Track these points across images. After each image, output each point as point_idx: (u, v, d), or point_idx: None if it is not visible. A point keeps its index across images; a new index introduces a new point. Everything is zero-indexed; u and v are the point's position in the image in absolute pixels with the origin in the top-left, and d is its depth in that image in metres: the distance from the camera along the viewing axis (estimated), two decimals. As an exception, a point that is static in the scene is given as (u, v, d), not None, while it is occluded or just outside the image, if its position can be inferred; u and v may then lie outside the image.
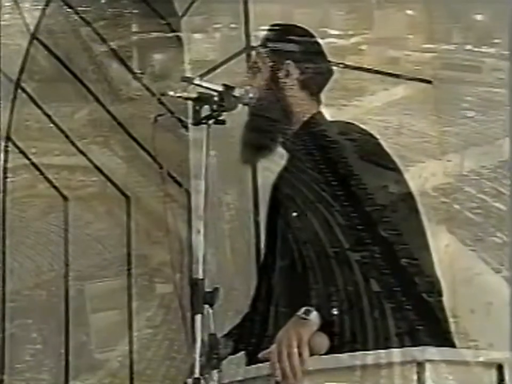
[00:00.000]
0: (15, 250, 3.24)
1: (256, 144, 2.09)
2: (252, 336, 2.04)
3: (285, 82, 2.10)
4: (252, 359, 2.00)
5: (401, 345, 2.19)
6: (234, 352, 2.06)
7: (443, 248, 2.61)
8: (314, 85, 2.16)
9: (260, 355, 1.87)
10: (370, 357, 1.76)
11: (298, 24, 2.18)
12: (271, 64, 2.11)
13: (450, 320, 2.44)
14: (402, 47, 2.84)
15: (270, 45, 2.09)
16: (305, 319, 1.86)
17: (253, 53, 2.15)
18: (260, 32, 2.13)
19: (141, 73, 2.74)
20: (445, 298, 2.46)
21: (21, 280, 3.33)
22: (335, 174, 2.02)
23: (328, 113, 2.85)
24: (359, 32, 2.85)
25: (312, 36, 2.18)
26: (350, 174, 2.03)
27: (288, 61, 2.10)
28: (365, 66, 2.95)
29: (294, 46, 2.11)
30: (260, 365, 1.85)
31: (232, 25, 2.71)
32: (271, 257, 2.14)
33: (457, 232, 2.59)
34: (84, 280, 3.06)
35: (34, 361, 3.25)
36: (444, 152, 2.69)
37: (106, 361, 2.98)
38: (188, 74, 2.66)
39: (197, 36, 2.75)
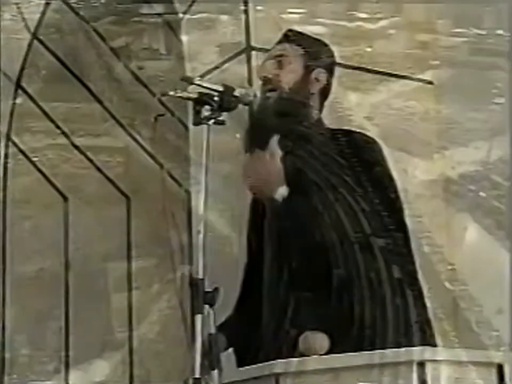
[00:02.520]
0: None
1: (263, 135, 2.10)
2: (240, 335, 2.03)
3: (313, 86, 2.14)
4: (241, 360, 2.01)
5: (422, 333, 2.17)
6: (226, 348, 2.03)
7: (468, 237, 2.59)
8: (327, 95, 2.23)
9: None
10: (370, 356, 1.75)
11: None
12: (304, 65, 2.15)
13: (475, 308, 2.42)
14: (431, 32, 2.81)
15: (306, 47, 2.13)
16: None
17: (283, 46, 2.16)
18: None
19: (140, 68, 2.74)
20: (469, 288, 2.44)
21: (45, 257, 3.37)
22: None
23: (354, 97, 2.83)
24: (387, 15, 2.82)
25: (332, 51, 2.26)
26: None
27: (320, 69, 2.17)
28: (393, 50, 2.91)
29: (325, 55, 2.19)
30: (260, 364, 1.85)
31: (232, 25, 2.70)
32: (259, 252, 2.13)
33: (482, 221, 2.56)
34: (107, 261, 3.08)
35: (57, 338, 3.29)
36: (471, 140, 2.66)
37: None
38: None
39: (197, 35, 2.75)
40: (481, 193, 2.54)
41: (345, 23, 2.82)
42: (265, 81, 2.14)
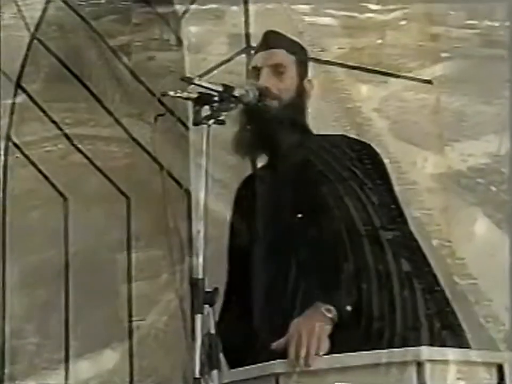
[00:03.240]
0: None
1: (262, 143, 2.10)
2: (231, 337, 2.01)
3: (306, 93, 2.17)
4: (232, 362, 1.99)
5: (430, 326, 2.17)
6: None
7: (478, 231, 2.57)
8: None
9: (273, 345, 1.85)
10: (370, 356, 1.74)
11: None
12: (297, 73, 2.15)
13: (485, 303, 2.41)
14: (443, 23, 2.79)
15: (299, 56, 2.14)
16: (325, 314, 1.86)
17: (280, 53, 2.15)
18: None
19: (150, 59, 2.73)
20: (478, 282, 2.43)
21: (52, 247, 3.39)
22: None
23: (364, 89, 2.81)
24: (399, 7, 2.80)
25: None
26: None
27: (309, 78, 2.20)
28: (404, 42, 2.90)
29: (307, 59, 2.21)
30: (259, 364, 1.85)
31: (232, 25, 2.70)
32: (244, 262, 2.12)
33: (493, 214, 2.55)
34: (116, 251, 3.09)
35: (65, 327, 3.30)
36: (482, 133, 2.64)
37: (136, 330, 3.02)
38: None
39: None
40: (492, 187, 2.52)
41: (356, 14, 2.81)
42: (264, 91, 2.13)
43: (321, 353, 1.78)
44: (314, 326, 1.81)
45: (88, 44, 3.15)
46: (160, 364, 2.90)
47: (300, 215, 2.02)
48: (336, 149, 2.12)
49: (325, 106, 2.73)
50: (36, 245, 3.31)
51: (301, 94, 2.14)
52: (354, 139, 2.16)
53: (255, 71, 2.14)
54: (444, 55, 2.79)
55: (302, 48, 2.23)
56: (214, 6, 2.68)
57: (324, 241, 2.05)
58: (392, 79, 2.80)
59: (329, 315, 1.85)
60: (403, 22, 2.81)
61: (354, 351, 1.82)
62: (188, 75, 2.53)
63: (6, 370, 3.31)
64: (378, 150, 2.65)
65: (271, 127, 2.09)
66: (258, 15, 2.73)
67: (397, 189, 2.45)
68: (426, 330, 2.27)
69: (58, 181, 3.24)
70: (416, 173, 2.67)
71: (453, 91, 2.70)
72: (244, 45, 2.55)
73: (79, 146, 3.21)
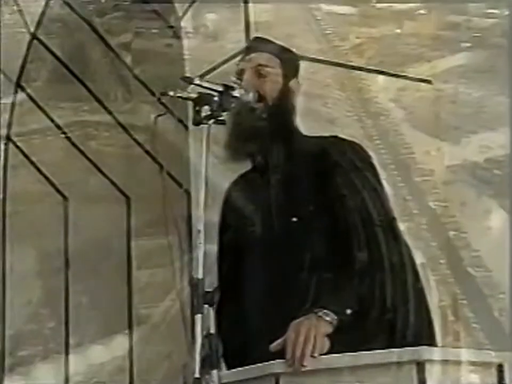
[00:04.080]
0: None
1: (251, 147, 2.09)
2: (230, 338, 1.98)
3: (292, 96, 2.10)
4: (229, 364, 1.96)
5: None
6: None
7: (493, 223, 2.55)
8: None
9: (272, 346, 1.86)
10: (370, 357, 1.73)
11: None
12: (283, 74, 2.12)
13: (499, 296, 2.40)
14: (463, 13, 2.75)
15: (283, 58, 2.09)
16: (322, 318, 1.86)
17: (259, 55, 2.13)
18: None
19: (168, 46, 2.72)
20: (493, 275, 2.42)
21: (78, 234, 3.41)
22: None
23: (381, 80, 2.79)
24: (418, -4, 2.77)
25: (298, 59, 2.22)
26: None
27: (295, 79, 2.12)
28: (423, 32, 2.87)
29: (297, 64, 2.13)
30: (259, 364, 1.81)
31: (232, 25, 2.68)
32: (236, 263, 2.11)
33: (508, 207, 2.53)
34: (130, 238, 3.11)
35: (78, 312, 3.33)
36: (500, 124, 2.61)
37: (149, 317, 3.03)
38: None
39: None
40: (508, 179, 2.50)
41: (375, 3, 2.78)
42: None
43: (316, 354, 1.77)
44: (311, 327, 1.80)
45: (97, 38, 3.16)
46: (174, 349, 2.91)
47: (311, 209, 2.01)
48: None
49: (341, 96, 2.72)
50: (50, 232, 3.34)
51: (286, 95, 2.11)
52: (346, 140, 2.13)
53: (240, 74, 2.14)
54: (463, 45, 2.76)
55: (290, 51, 2.19)
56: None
57: (338, 231, 2.04)
58: (410, 69, 2.77)
59: (327, 318, 1.85)
60: (422, 11, 2.79)
61: (366, 343, 1.82)
62: (187, 74, 2.53)
63: (22, 353, 3.34)
64: (395, 140, 2.64)
65: (255, 129, 2.08)
66: (275, 4, 2.71)
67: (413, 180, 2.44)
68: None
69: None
70: (432, 164, 2.65)
71: (471, 82, 2.67)
72: (260, 33, 2.54)
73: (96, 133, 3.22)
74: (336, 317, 1.83)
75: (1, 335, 3.30)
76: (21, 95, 3.32)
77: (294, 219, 1.99)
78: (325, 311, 1.83)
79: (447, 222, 2.58)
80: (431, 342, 1.95)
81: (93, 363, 3.23)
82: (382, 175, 2.39)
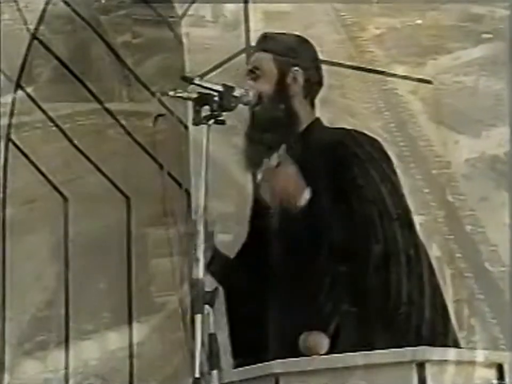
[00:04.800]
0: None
1: (260, 150, 2.08)
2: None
3: (292, 89, 2.08)
4: (238, 363, 1.99)
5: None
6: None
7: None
8: (314, 93, 2.15)
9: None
10: (370, 356, 1.73)
11: (299, 34, 2.17)
12: (278, 69, 2.10)
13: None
14: (485, 4, 2.72)
15: (276, 51, 2.08)
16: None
17: (255, 56, 2.12)
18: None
19: (186, 35, 2.72)
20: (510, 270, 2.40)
21: (95, 220, 3.43)
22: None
23: (401, 71, 2.77)
24: (440, -14, 2.74)
25: (312, 45, 2.17)
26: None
27: (295, 68, 2.07)
28: (445, 23, 2.84)
29: (299, 53, 2.10)
30: (260, 364, 1.83)
31: (232, 25, 2.66)
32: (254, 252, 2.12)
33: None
34: (147, 226, 3.12)
35: (97, 300, 3.35)
36: (520, 117, 2.58)
37: (165, 305, 3.04)
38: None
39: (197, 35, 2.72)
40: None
41: (396, -7, 2.76)
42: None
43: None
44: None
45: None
46: (189, 338, 2.92)
47: (327, 200, 2.01)
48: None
49: (360, 86, 2.70)
50: (69, 218, 3.36)
51: (280, 92, 2.09)
52: (361, 132, 2.11)
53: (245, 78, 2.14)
54: (485, 36, 2.73)
55: (301, 42, 2.15)
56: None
57: (355, 223, 2.03)
58: (431, 61, 2.75)
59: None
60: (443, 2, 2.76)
61: (381, 335, 1.81)
62: (187, 74, 2.53)
63: (39, 339, 3.38)
64: (413, 132, 2.62)
65: (253, 134, 2.08)
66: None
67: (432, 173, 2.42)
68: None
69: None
70: (451, 157, 2.63)
71: (492, 74, 2.64)
72: (278, 23, 2.53)
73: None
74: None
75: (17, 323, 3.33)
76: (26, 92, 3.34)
77: (310, 210, 1.99)
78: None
79: (464, 215, 2.56)
80: (446, 339, 1.94)
81: (108, 349, 3.26)
82: (400, 167, 2.38)
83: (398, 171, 2.27)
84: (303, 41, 2.16)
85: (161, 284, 3.11)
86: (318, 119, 2.15)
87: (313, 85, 2.13)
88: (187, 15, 2.68)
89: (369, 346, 1.78)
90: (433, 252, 2.41)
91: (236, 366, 1.99)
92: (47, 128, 3.36)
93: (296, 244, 2.01)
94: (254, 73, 2.11)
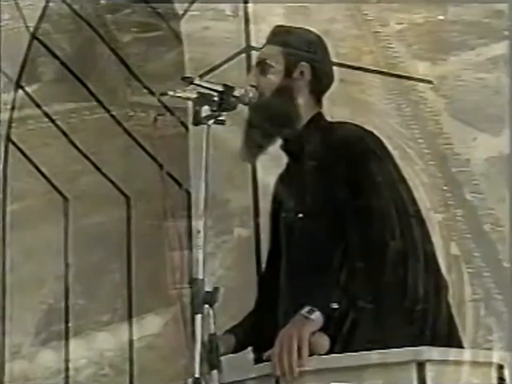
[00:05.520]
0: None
1: (259, 142, 2.07)
2: (257, 335, 2.00)
3: (298, 83, 2.04)
4: (258, 358, 1.96)
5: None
6: (236, 350, 2.00)
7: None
8: (322, 88, 2.11)
9: (264, 356, 1.85)
10: (370, 356, 1.70)
11: (309, 28, 2.14)
12: (285, 63, 2.06)
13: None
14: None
15: (285, 44, 2.04)
16: (307, 317, 1.84)
17: (265, 48, 2.06)
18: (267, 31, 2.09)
19: (205, 29, 2.71)
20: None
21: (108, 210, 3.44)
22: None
23: (421, 67, 2.74)
24: (463, -19, 2.71)
25: (324, 41, 2.14)
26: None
27: (303, 62, 2.04)
28: (467, 18, 2.81)
29: (309, 48, 2.06)
30: (261, 364, 1.83)
31: (232, 25, 2.65)
32: (277, 255, 2.10)
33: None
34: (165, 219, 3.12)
35: (112, 290, 3.37)
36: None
37: (179, 297, 3.04)
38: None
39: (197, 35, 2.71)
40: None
41: (418, -12, 2.73)
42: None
43: (304, 360, 1.77)
44: (293, 334, 1.78)
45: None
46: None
47: (341, 197, 2.00)
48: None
49: (380, 83, 2.68)
50: (89, 209, 3.37)
51: (285, 87, 2.07)
52: (355, 127, 2.09)
53: (251, 70, 2.13)
54: (507, 33, 2.70)
55: (312, 37, 2.14)
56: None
57: (372, 219, 2.02)
58: (452, 57, 2.72)
59: (312, 316, 1.84)
60: (466, -3, 2.73)
61: (396, 333, 1.80)
62: (188, 74, 2.52)
63: (55, 328, 3.40)
64: (433, 130, 2.60)
65: (254, 125, 2.07)
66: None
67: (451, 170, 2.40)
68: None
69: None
70: (471, 155, 2.60)
71: (514, 71, 2.61)
72: (300, 17, 2.52)
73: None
74: (320, 313, 1.82)
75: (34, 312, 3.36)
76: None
77: (324, 207, 1.98)
78: (308, 309, 1.82)
79: (483, 214, 2.54)
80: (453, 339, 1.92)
81: (123, 340, 3.27)
82: (419, 164, 2.36)
83: (417, 168, 2.26)
84: (314, 36, 2.13)
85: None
86: (319, 113, 2.13)
87: (321, 81, 2.10)
88: (208, 9, 2.67)
89: (384, 343, 1.77)
90: (452, 250, 2.40)
91: (256, 362, 1.99)
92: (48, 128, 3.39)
93: (313, 243, 2.00)
94: (262, 65, 2.09)
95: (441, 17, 2.76)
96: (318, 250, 1.98)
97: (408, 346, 1.69)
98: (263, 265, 2.17)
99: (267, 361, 1.82)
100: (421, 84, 2.68)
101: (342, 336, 1.81)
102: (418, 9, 2.76)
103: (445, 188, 2.51)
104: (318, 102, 2.11)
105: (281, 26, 2.17)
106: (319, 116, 2.10)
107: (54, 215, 3.44)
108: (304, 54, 2.09)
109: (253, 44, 2.23)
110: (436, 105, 2.66)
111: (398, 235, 1.95)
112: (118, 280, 3.36)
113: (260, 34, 2.64)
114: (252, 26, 2.65)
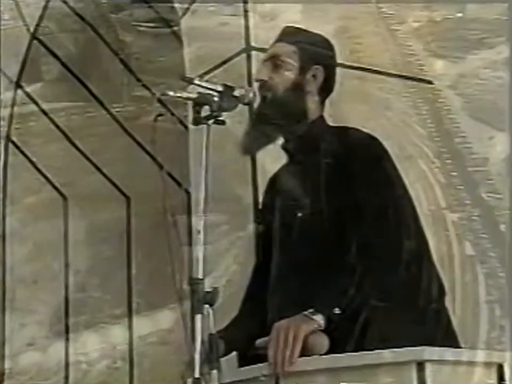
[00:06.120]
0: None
1: (264, 136, 2.07)
2: (242, 338, 2.00)
3: (309, 85, 2.05)
4: (242, 361, 1.99)
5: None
6: (225, 353, 1.95)
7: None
8: (328, 92, 2.11)
9: (256, 343, 1.87)
10: (370, 356, 1.71)
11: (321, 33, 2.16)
12: (300, 64, 2.07)
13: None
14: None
15: (300, 44, 2.06)
16: (308, 317, 1.84)
17: (279, 46, 2.08)
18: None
19: (224, 24, 2.71)
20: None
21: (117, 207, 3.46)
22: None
23: (439, 65, 2.72)
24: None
25: (332, 45, 2.17)
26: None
27: (317, 65, 2.07)
28: (486, 16, 2.78)
29: (323, 51, 2.10)
30: (260, 364, 1.84)
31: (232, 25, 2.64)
32: (267, 257, 2.10)
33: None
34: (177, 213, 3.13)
35: (127, 284, 3.38)
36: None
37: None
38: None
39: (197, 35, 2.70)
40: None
41: (437, -15, 2.71)
42: (261, 84, 2.08)
43: (294, 359, 1.77)
44: (290, 329, 1.79)
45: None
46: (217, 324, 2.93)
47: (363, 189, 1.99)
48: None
49: (398, 81, 2.67)
50: (103, 203, 3.39)
51: (298, 86, 2.08)
52: (357, 132, 2.09)
53: (261, 65, 2.13)
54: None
55: (314, 39, 2.15)
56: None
57: (387, 219, 2.01)
58: (471, 56, 2.70)
59: (313, 317, 1.84)
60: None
61: (409, 332, 1.80)
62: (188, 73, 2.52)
63: (70, 320, 3.42)
64: (450, 128, 2.58)
65: (260, 120, 2.07)
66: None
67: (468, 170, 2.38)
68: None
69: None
70: (488, 154, 2.58)
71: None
72: (317, 13, 2.51)
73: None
74: (322, 316, 1.82)
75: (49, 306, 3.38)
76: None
77: (329, 207, 1.98)
78: (312, 310, 1.82)
79: (499, 214, 2.52)
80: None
81: (137, 335, 3.28)
82: (435, 163, 2.34)
83: (433, 167, 2.25)
84: (324, 40, 2.15)
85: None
86: (322, 116, 2.12)
87: (329, 85, 2.13)
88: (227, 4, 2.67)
89: (396, 342, 1.76)
90: (467, 250, 2.38)
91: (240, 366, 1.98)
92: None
93: (313, 243, 2.00)
94: (276, 61, 2.09)
95: (459, 15, 2.74)
96: (318, 251, 1.98)
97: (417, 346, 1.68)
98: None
99: (252, 363, 1.82)
100: (439, 82, 2.66)
101: (354, 336, 1.81)
102: (437, 7, 2.74)
103: (461, 187, 2.50)
104: (322, 105, 2.12)
105: (292, 27, 2.18)
106: (321, 119, 2.12)
107: (69, 210, 3.46)
108: (318, 56, 2.10)
109: (271, 40, 2.22)
110: (453, 104, 2.65)
111: (412, 234, 1.95)
112: (132, 274, 3.37)
113: (277, 31, 2.64)
114: (269, 23, 2.64)
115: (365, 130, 2.07)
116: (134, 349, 3.33)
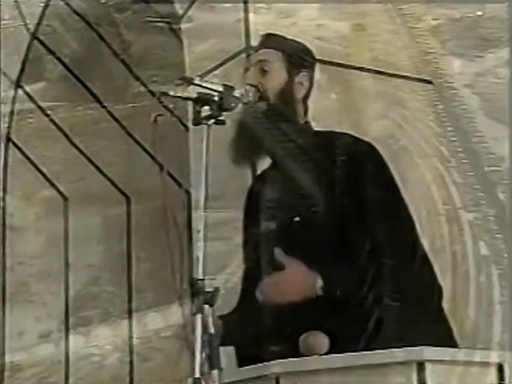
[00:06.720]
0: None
1: (252, 147, 2.07)
2: (239, 334, 2.00)
3: (297, 91, 2.07)
4: (242, 360, 1.99)
5: (504, 315, 2.10)
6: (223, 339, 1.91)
7: None
8: (308, 97, 2.13)
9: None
10: (370, 356, 1.71)
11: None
12: (288, 70, 2.08)
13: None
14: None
15: (285, 51, 2.08)
16: None
17: (265, 51, 2.09)
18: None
19: (238, 21, 2.71)
20: None
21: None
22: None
23: (457, 64, 2.70)
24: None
25: (313, 52, 2.17)
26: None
27: (304, 71, 2.09)
28: (506, 15, 2.76)
29: (307, 57, 2.11)
30: (259, 364, 1.84)
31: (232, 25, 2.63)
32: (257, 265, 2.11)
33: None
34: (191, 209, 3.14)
35: (141, 280, 3.39)
36: None
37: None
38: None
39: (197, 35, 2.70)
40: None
41: (456, -17, 2.69)
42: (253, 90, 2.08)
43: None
44: None
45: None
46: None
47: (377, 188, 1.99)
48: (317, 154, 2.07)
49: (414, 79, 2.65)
50: (114, 199, 3.40)
51: (289, 90, 2.08)
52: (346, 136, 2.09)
53: (246, 72, 2.13)
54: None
55: (297, 45, 2.14)
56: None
57: (401, 218, 2.01)
58: (489, 54, 2.68)
59: None
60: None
61: (425, 331, 1.80)
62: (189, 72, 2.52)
63: (83, 314, 3.43)
64: (466, 127, 2.56)
65: (257, 127, 2.06)
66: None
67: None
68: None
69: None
70: (504, 154, 2.56)
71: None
72: (333, 11, 2.50)
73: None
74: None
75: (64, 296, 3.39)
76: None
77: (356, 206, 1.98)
78: None
79: (515, 214, 2.50)
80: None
81: (149, 329, 3.29)
82: (451, 162, 2.32)
83: (449, 166, 2.23)
84: (306, 47, 2.17)
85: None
86: (307, 122, 2.13)
87: (309, 91, 2.13)
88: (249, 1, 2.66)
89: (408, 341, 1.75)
90: (481, 250, 2.36)
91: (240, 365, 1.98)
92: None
93: (337, 240, 1.99)
94: (261, 67, 2.10)
95: (479, 13, 2.72)
96: (318, 251, 1.98)
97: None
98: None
99: (252, 363, 1.81)
100: (455, 81, 2.64)
101: (367, 334, 1.81)
102: (456, 5, 2.72)
103: (477, 186, 2.48)
104: (307, 109, 2.13)
105: (275, 34, 2.18)
106: (307, 125, 2.12)
107: (87, 204, 3.47)
108: (304, 63, 2.11)
109: (289, 36, 2.22)
110: (470, 103, 2.63)
111: (411, 238, 1.95)
112: (147, 269, 3.38)
113: (294, 28, 2.64)
114: (284, 20, 2.64)
115: (353, 134, 2.08)
116: (146, 344, 3.34)
